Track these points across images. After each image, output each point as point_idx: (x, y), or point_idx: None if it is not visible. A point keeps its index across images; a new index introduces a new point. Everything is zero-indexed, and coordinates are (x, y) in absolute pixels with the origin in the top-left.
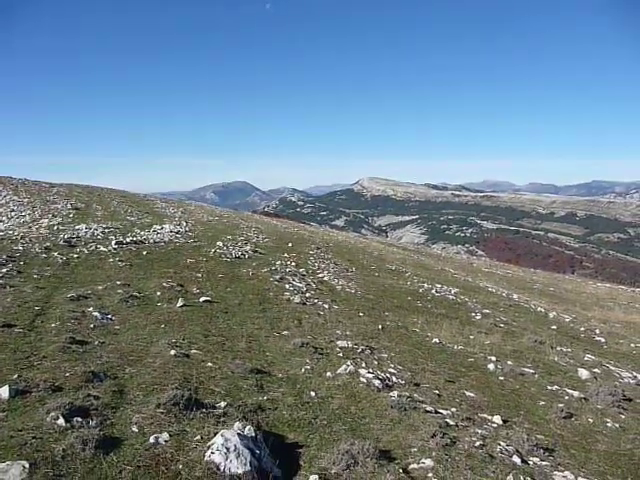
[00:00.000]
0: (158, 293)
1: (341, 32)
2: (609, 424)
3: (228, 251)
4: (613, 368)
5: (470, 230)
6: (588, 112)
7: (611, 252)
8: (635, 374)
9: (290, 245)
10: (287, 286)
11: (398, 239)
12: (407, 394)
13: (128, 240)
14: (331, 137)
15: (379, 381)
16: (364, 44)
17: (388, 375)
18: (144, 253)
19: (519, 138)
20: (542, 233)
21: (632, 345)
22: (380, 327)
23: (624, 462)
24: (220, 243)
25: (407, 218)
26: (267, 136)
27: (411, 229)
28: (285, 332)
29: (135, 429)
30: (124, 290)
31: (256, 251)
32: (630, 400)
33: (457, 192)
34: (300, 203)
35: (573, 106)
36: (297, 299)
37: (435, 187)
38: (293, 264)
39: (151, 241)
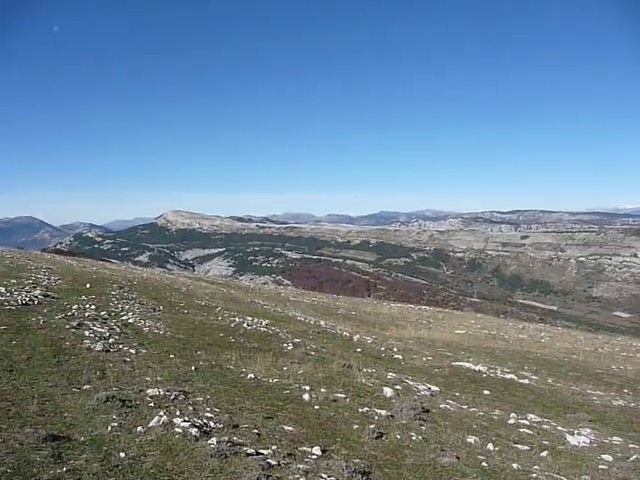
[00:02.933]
0: None
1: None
2: (414, 437)
3: (12, 297)
4: (412, 383)
5: (276, 260)
6: (372, 153)
7: (399, 275)
8: (429, 386)
9: (88, 286)
10: (87, 333)
11: (206, 272)
12: (226, 438)
13: None
14: (132, 169)
15: (196, 429)
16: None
17: (205, 420)
18: None
19: (317, 173)
20: (341, 260)
21: (424, 359)
22: (193, 368)
23: (429, 472)
24: (2, 289)
25: (214, 251)
26: (58, 167)
27: (218, 262)
28: (86, 386)
29: None
30: None
31: (48, 295)
32: (428, 411)
33: (262, 224)
34: (98, 239)
35: (360, 146)
36: (99, 346)
37: (240, 219)
38: (93, 307)
39: None
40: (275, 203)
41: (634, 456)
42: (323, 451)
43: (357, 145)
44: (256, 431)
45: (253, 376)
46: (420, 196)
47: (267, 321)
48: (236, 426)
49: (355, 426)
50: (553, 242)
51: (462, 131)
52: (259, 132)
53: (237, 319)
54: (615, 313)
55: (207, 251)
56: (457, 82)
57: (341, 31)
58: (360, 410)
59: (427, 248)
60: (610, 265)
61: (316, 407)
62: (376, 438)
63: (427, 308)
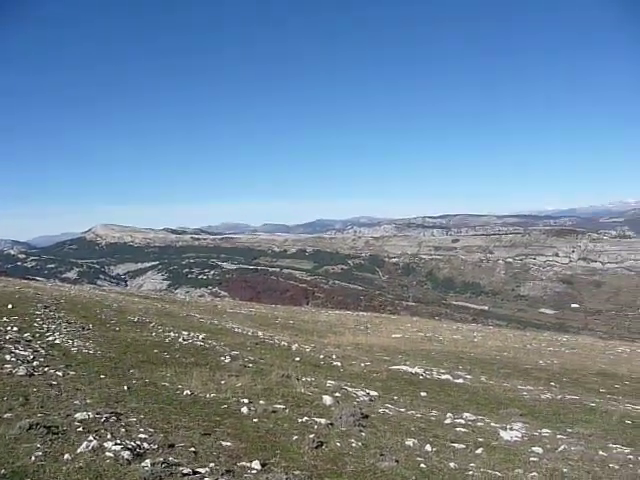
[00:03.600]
0: None
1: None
2: (353, 444)
3: None
4: (350, 389)
5: (212, 272)
6: (307, 161)
7: (337, 282)
8: (368, 391)
9: (10, 307)
10: (8, 357)
11: (139, 287)
12: (161, 459)
13: None
14: (57, 182)
15: (129, 451)
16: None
17: (139, 442)
18: None
19: (252, 182)
20: (278, 269)
21: (362, 365)
22: (126, 387)
23: (369, 477)
24: None
25: (147, 265)
26: None
27: (152, 276)
28: (7, 414)
29: None
30: None
31: None
32: (367, 417)
33: (197, 235)
34: (21, 256)
35: (294, 154)
36: (22, 371)
37: (174, 232)
38: (15, 329)
39: None
40: (211, 214)
41: (562, 446)
42: (263, 465)
43: (291, 153)
44: (193, 449)
45: (189, 392)
46: (355, 203)
47: (203, 335)
48: (172, 445)
49: (295, 437)
50: (482, 244)
51: (391, 138)
52: (192, 140)
53: (172, 334)
54: (541, 310)
55: (140, 265)
56: (380, 89)
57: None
58: (300, 420)
59: (363, 254)
60: (535, 265)
61: (255, 420)
62: (316, 447)
63: (364, 314)
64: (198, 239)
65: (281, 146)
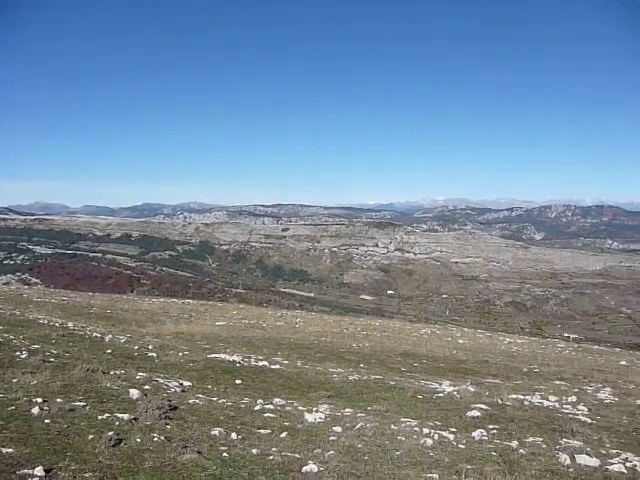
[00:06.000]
0: None
1: None
2: (156, 438)
3: None
4: (162, 381)
5: (21, 257)
6: (133, 143)
7: (165, 268)
8: (181, 382)
9: None
10: None
11: None
12: None
13: None
14: None
15: None
16: None
17: None
18: None
19: (73, 160)
20: (100, 255)
21: (180, 354)
22: None
23: (168, 472)
24: None
25: None
26: None
27: None
28: None
29: None
30: None
31: None
32: (176, 408)
33: (4, 215)
34: None
35: (119, 136)
36: None
37: None
38: None
39: None
40: (20, 191)
41: (359, 424)
42: (47, 471)
43: (115, 132)
44: None
45: None
46: (185, 189)
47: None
48: None
49: (91, 436)
50: (310, 234)
51: (223, 125)
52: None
53: None
54: (362, 296)
55: None
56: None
57: None
58: (100, 417)
59: (193, 241)
60: (357, 254)
61: (47, 421)
62: (113, 446)
63: (191, 302)
64: (5, 219)
65: (106, 125)
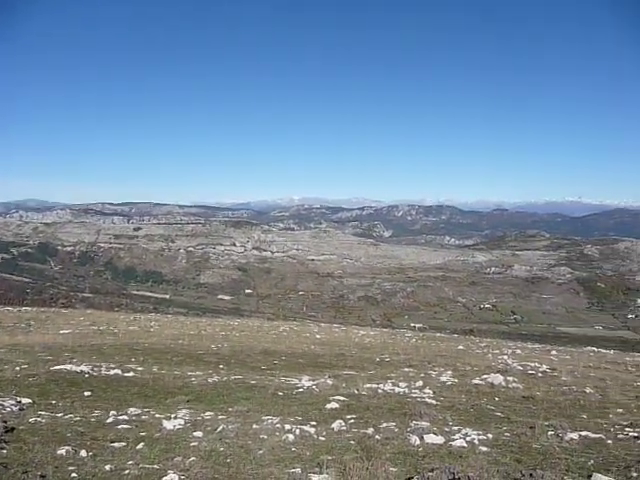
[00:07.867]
0: None
1: None
2: None
3: None
4: None
5: None
6: None
7: None
8: (20, 399)
9: None
10: None
11: None
12: None
13: None
14: None
15: None
16: None
17: None
18: None
19: None
20: None
21: (17, 369)
22: None
23: None
24: None
25: None
26: None
27: None
28: None
29: None
30: None
31: None
32: (13, 430)
33: None
34: None
35: None
36: None
37: None
38: None
39: None
40: None
41: (221, 427)
42: None
43: None
44: None
45: None
46: (19, 184)
47: None
48: None
49: None
50: (165, 233)
51: (63, 114)
52: None
53: None
54: (219, 296)
55: None
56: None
57: None
58: None
59: (31, 242)
60: (214, 254)
61: None
62: None
63: (29, 309)
64: None
65: None
